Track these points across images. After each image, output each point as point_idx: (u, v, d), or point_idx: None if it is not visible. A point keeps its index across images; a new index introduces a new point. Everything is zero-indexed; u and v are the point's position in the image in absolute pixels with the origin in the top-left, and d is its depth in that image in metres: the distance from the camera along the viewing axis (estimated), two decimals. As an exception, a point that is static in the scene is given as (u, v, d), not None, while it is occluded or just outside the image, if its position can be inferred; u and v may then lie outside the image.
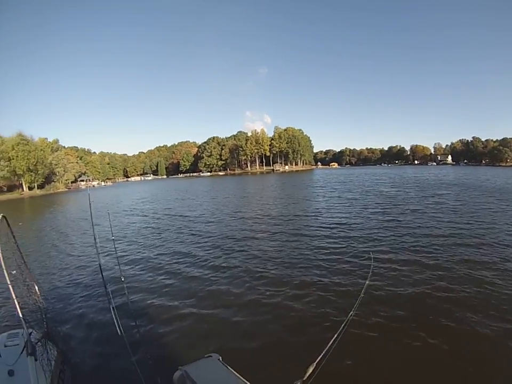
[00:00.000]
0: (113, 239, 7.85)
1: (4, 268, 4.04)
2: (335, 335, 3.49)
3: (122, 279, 6.55)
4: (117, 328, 4.49)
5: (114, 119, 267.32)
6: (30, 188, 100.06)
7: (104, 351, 5.73)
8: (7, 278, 4.04)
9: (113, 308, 4.74)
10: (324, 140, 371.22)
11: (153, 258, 11.07)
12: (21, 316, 4.13)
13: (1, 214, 4.91)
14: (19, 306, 4.13)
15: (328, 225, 14.95)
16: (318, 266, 9.09)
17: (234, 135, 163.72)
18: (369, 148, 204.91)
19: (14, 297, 4.08)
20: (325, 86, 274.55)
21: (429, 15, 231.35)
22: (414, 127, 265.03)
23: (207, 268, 9.48)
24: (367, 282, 4.97)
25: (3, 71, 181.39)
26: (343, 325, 3.72)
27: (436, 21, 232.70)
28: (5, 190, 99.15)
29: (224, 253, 10.97)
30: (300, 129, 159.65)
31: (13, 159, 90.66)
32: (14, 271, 4.82)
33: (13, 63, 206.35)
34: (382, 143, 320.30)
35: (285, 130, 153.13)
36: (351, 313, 4.06)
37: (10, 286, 4.03)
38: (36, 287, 6.60)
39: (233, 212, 21.86)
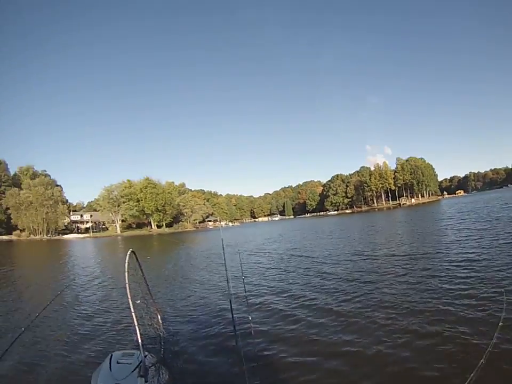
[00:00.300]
0: (243, 278, 8.40)
1: (129, 296, 4.58)
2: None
3: (250, 318, 6.84)
4: (243, 367, 4.73)
5: (239, 164, 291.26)
6: (159, 226, 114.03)
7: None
8: (131, 306, 4.54)
9: (241, 349, 5.03)
10: (446, 165, 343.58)
11: (279, 300, 11.65)
12: (139, 339, 4.44)
13: (131, 249, 5.62)
14: (139, 332, 4.50)
15: (457, 263, 13.69)
16: (445, 312, 8.40)
17: (357, 171, 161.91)
18: (492, 168, 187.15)
19: (136, 323, 4.49)
20: (437, 108, 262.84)
21: None
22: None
23: (333, 314, 9.49)
24: (496, 333, 4.49)
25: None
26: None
27: None
28: (134, 226, 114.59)
29: (349, 297, 10.90)
30: (422, 158, 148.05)
31: (142, 200, 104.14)
32: (139, 301, 5.29)
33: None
34: (504, 161, 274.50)
35: (407, 161, 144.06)
36: (480, 363, 3.98)
37: (133, 313, 4.50)
38: (159, 317, 7.24)
39: (360, 251, 21.34)
